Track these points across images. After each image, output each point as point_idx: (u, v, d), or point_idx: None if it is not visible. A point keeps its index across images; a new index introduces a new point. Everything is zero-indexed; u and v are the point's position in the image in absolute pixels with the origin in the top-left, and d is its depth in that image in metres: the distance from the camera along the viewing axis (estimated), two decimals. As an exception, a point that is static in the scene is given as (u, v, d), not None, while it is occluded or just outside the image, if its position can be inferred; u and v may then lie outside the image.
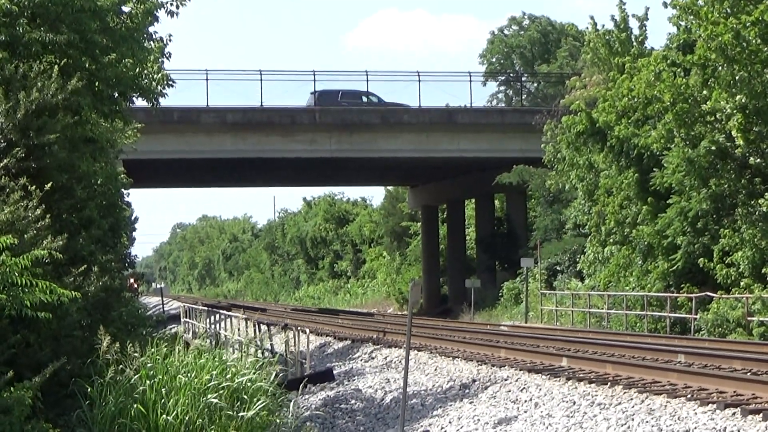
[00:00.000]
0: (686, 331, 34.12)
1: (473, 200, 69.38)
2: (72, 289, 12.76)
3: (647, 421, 15.11)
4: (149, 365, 13.98)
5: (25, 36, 17.07)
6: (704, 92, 33.01)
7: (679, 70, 35.24)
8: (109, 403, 13.28)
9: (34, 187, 14.53)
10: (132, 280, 44.60)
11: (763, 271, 31.30)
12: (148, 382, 13.58)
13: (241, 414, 13.84)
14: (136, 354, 13.83)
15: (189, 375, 13.86)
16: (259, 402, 14.12)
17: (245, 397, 14.06)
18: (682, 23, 37.18)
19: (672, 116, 33.68)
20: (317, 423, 19.60)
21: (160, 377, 13.73)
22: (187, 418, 13.36)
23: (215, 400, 13.66)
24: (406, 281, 70.90)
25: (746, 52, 30.84)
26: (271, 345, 30.94)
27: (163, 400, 13.46)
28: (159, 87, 22.19)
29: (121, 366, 13.72)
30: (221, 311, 41.65)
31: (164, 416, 13.26)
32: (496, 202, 67.97)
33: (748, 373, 18.76)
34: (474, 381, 21.18)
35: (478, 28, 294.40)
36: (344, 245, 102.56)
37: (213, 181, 72.36)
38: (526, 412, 17.51)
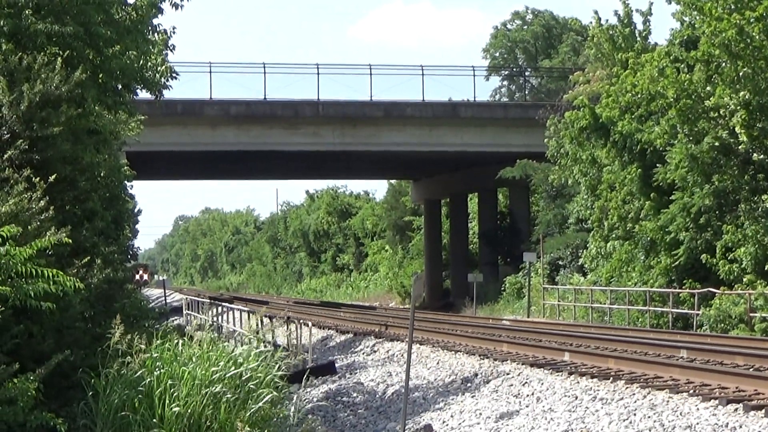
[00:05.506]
0: (688, 326, 34.11)
1: (476, 194, 69.37)
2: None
3: (649, 417, 15.12)
4: (156, 356, 13.99)
5: (30, 27, 17.05)
6: (708, 88, 33.00)
7: (682, 66, 35.22)
8: (114, 394, 13.28)
9: (38, 178, 14.50)
10: (141, 271, 44.61)
11: (766, 267, 31.29)
12: (155, 373, 13.57)
13: (247, 404, 13.84)
14: (142, 345, 13.81)
15: (196, 366, 13.87)
16: (265, 393, 14.12)
17: (252, 386, 14.05)
18: (686, 19, 37.21)
19: (675, 112, 33.67)
20: (319, 416, 19.61)
21: (167, 368, 13.72)
22: (191, 410, 13.36)
23: (223, 389, 13.65)
24: (409, 275, 70.87)
25: (750, 48, 30.83)
26: (273, 338, 30.97)
27: (170, 391, 13.46)
28: (163, 79, 22.21)
29: (127, 357, 13.70)
30: (224, 304, 41.69)
31: (171, 406, 13.27)
32: (500, 196, 67.95)
33: (751, 369, 18.75)
34: (476, 375, 21.19)
35: (481, 22, 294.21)
36: (347, 239, 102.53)
37: (216, 173, 72.37)
38: (528, 406, 17.52)
